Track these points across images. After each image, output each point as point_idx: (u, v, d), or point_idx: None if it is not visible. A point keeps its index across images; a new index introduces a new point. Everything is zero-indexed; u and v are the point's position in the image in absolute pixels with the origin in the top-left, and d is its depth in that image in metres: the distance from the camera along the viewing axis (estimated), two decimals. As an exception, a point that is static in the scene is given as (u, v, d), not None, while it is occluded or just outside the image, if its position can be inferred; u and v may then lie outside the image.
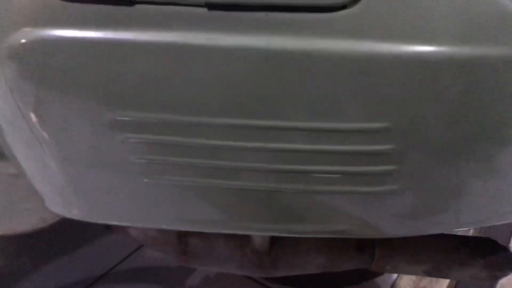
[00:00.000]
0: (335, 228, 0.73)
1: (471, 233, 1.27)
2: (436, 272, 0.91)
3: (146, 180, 0.68)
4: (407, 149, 0.61)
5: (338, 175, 0.64)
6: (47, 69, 0.59)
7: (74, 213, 0.77)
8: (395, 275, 1.27)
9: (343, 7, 0.53)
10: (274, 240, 0.89)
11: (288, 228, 0.74)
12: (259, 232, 0.79)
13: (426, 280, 1.24)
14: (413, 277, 1.26)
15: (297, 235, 0.80)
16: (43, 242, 1.52)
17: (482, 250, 0.90)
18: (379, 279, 1.28)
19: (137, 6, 0.55)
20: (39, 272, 1.41)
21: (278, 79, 0.56)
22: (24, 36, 0.57)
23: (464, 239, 0.93)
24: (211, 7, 0.54)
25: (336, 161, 0.63)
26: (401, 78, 0.55)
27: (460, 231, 1.05)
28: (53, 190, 0.74)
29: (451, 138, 0.60)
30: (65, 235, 1.49)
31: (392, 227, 0.74)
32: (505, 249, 0.90)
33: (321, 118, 0.59)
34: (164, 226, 0.75)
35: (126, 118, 0.61)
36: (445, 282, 1.23)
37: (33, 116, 0.63)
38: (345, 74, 0.55)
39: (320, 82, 0.56)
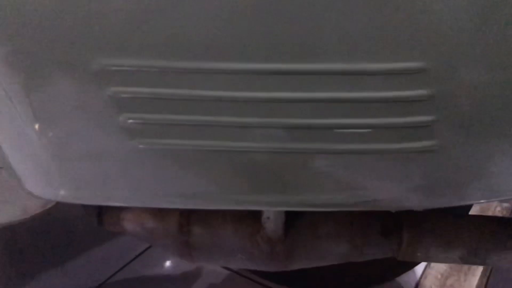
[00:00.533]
0: (359, 198, 0.63)
1: (504, 213, 1.16)
2: (472, 258, 0.80)
3: (141, 146, 0.58)
4: (446, 95, 0.52)
5: (367, 130, 0.55)
6: (21, 15, 0.50)
7: (61, 195, 0.67)
8: (418, 274, 1.16)
9: None
10: (288, 227, 0.79)
11: (304, 200, 0.64)
12: (269, 206, 0.69)
13: (454, 278, 1.13)
14: (439, 275, 1.15)
15: (314, 209, 0.70)
16: (37, 253, 1.42)
17: (524, 231, 0.80)
18: (401, 279, 1.17)
19: None
20: (33, 283, 1.31)
21: (293, 10, 0.47)
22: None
23: (501, 220, 0.83)
24: None
25: (364, 112, 0.53)
26: (437, 3, 0.46)
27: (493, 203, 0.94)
28: (35, 167, 0.65)
29: (494, 83, 0.51)
30: (60, 245, 1.40)
31: (421, 196, 0.64)
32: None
33: (345, 58, 0.50)
34: (162, 204, 0.65)
35: (113, 67, 0.51)
36: (475, 279, 1.13)
37: (7, 73, 0.54)
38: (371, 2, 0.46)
39: (341, 13, 0.47)
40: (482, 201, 0.66)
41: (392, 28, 0.48)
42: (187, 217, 0.79)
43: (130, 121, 0.56)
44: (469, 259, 0.81)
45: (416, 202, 0.64)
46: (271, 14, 0.47)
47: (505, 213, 0.99)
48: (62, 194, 0.67)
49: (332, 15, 0.47)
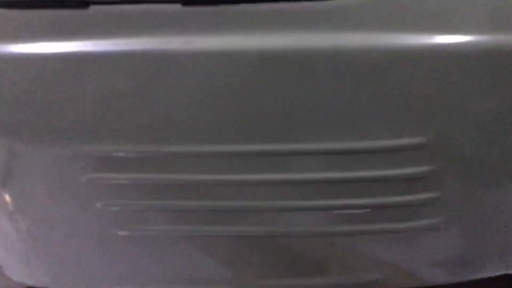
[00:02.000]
0: (363, 279, 0.58)
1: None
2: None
3: (120, 233, 0.54)
4: (447, 171, 0.48)
5: (367, 210, 0.50)
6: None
7: (41, 281, 0.63)
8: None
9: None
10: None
11: (304, 283, 0.59)
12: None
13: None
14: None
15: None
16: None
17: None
18: None
19: (94, 8, 0.43)
20: None
21: (277, 86, 0.44)
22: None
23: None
24: (186, 2, 0.42)
25: (363, 192, 0.49)
26: (434, 75, 0.43)
27: None
28: (14, 256, 0.61)
29: (496, 154, 0.47)
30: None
31: (432, 273, 0.59)
32: None
33: (338, 136, 0.46)
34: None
35: (87, 153, 0.48)
36: None
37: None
38: (363, 73, 0.43)
39: (331, 86, 0.43)
40: (500, 272, 0.61)
41: (390, 104, 0.44)
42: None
43: (108, 208, 0.52)
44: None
45: (429, 278, 0.59)
46: (254, 96, 0.44)
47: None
48: (42, 281, 0.62)
49: (325, 93, 0.44)
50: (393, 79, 0.43)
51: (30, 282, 0.64)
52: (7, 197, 0.53)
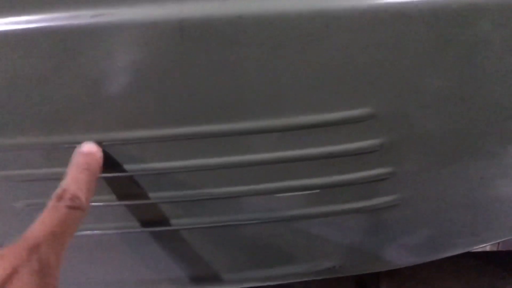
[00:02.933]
0: (323, 266, 0.54)
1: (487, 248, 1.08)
2: (462, 304, 0.71)
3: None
4: (399, 144, 0.44)
5: (318, 190, 0.46)
6: None
7: None
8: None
9: None
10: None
11: (263, 275, 0.55)
12: (226, 285, 0.60)
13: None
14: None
15: (276, 282, 0.60)
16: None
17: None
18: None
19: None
20: None
21: (203, 61, 0.38)
22: None
23: (488, 257, 0.74)
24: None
25: (314, 171, 0.45)
26: (375, 40, 0.38)
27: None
28: None
29: (447, 125, 0.43)
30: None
31: (395, 255, 0.55)
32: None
33: (278, 112, 0.41)
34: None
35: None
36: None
37: None
38: (297, 41, 0.38)
39: (263, 57, 0.38)
40: (466, 249, 0.57)
41: (332, 75, 0.39)
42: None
43: (31, 207, 0.46)
44: (458, 306, 0.72)
45: (392, 262, 0.55)
46: (185, 73, 0.39)
47: (495, 246, 0.91)
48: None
49: (258, 66, 0.39)
50: (331, 46, 0.38)
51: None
52: None
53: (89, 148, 0.41)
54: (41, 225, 0.36)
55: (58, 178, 0.44)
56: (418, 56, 0.39)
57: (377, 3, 0.37)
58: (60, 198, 0.38)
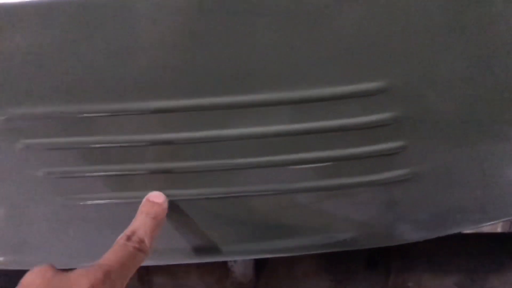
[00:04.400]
0: (333, 239, 0.55)
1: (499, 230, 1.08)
2: (470, 283, 0.72)
3: (69, 203, 0.50)
4: (411, 118, 0.44)
5: (330, 163, 0.47)
6: None
7: (0, 262, 0.59)
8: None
9: None
10: (260, 266, 0.70)
11: (273, 247, 0.56)
12: (238, 256, 0.61)
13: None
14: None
15: (287, 254, 0.61)
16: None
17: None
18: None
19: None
20: None
21: (219, 32, 0.39)
22: None
23: (498, 237, 0.75)
24: None
25: (324, 144, 0.45)
26: (395, 13, 0.39)
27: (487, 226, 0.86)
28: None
29: (459, 103, 0.44)
30: None
31: (405, 229, 0.56)
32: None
33: (291, 85, 0.42)
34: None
35: (21, 116, 0.44)
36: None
37: None
38: (311, 13, 0.39)
39: (276, 29, 0.39)
40: (476, 226, 0.58)
41: (346, 47, 0.40)
42: (147, 266, 0.71)
43: (51, 176, 0.48)
44: (466, 284, 0.73)
45: (402, 236, 0.56)
46: (201, 45, 0.40)
47: (506, 227, 0.91)
48: (1, 261, 0.58)
49: (272, 37, 0.39)
50: (345, 18, 0.39)
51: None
52: None
53: (158, 198, 0.47)
54: (113, 256, 0.42)
55: (78, 147, 0.45)
56: (431, 32, 0.40)
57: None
58: (129, 238, 0.44)
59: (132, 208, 0.48)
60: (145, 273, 0.70)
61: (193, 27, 0.39)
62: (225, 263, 0.68)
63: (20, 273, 0.41)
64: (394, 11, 0.39)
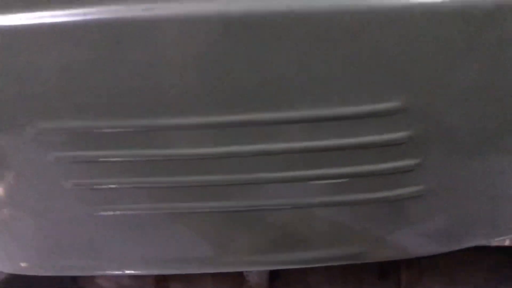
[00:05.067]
0: (347, 251, 0.56)
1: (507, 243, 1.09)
2: (480, 295, 0.73)
3: (97, 213, 0.52)
4: (426, 136, 0.46)
5: (346, 179, 0.49)
6: None
7: (22, 268, 0.61)
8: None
9: None
10: (274, 276, 0.72)
11: (289, 258, 0.58)
12: (253, 267, 0.63)
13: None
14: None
15: (301, 266, 0.63)
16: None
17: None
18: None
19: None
20: None
21: (245, 53, 0.41)
22: None
23: (506, 251, 0.76)
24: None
25: (341, 160, 0.47)
26: (408, 37, 0.40)
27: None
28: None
29: (473, 121, 0.45)
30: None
31: (418, 243, 0.57)
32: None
33: (313, 103, 0.43)
34: (135, 271, 0.59)
35: (51, 130, 0.46)
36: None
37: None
38: (335, 36, 0.40)
39: (301, 51, 0.41)
40: (486, 241, 0.59)
41: (364, 68, 0.42)
42: (164, 273, 0.73)
43: (79, 187, 0.50)
44: (476, 297, 0.74)
45: (414, 250, 0.58)
46: (228, 65, 0.42)
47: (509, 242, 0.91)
48: (23, 267, 0.61)
49: (295, 60, 0.41)
50: (366, 42, 0.40)
51: (9, 269, 0.63)
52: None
53: None
54: None
55: (103, 161, 0.47)
56: (448, 53, 0.41)
57: (411, 2, 0.39)
58: None
59: (157, 219, 0.50)
60: (162, 279, 0.72)
61: (219, 48, 0.41)
62: (240, 272, 0.69)
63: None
64: (413, 35, 0.40)
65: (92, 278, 0.77)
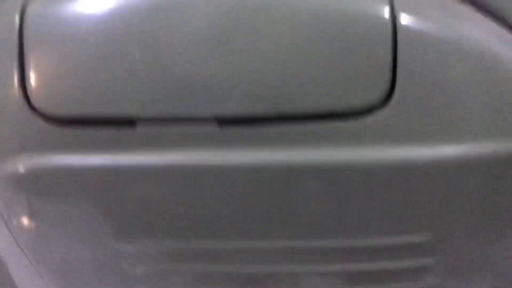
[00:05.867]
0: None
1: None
2: None
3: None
4: (447, 265, 0.55)
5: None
6: (45, 198, 0.52)
7: None
8: None
9: (369, 111, 0.48)
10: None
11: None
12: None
13: None
14: None
15: None
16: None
17: None
18: None
19: (139, 127, 0.49)
20: None
21: (302, 196, 0.50)
22: (22, 163, 0.51)
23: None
24: (222, 123, 0.48)
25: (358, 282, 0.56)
26: (437, 184, 0.49)
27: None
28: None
29: (490, 249, 0.54)
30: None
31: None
32: None
33: (349, 236, 0.52)
34: None
35: (131, 249, 0.54)
36: None
37: (30, 247, 0.57)
38: (377, 184, 0.49)
39: (348, 196, 0.50)
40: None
41: (394, 211, 0.50)
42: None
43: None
44: None
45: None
46: (281, 205, 0.50)
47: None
48: None
49: (341, 203, 0.50)
50: (400, 191, 0.49)
51: None
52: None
53: None
54: None
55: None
56: (472, 195, 0.50)
57: (441, 154, 0.48)
58: None
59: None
60: None
61: (280, 197, 0.50)
62: None
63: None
64: (437, 184, 0.49)
65: None
